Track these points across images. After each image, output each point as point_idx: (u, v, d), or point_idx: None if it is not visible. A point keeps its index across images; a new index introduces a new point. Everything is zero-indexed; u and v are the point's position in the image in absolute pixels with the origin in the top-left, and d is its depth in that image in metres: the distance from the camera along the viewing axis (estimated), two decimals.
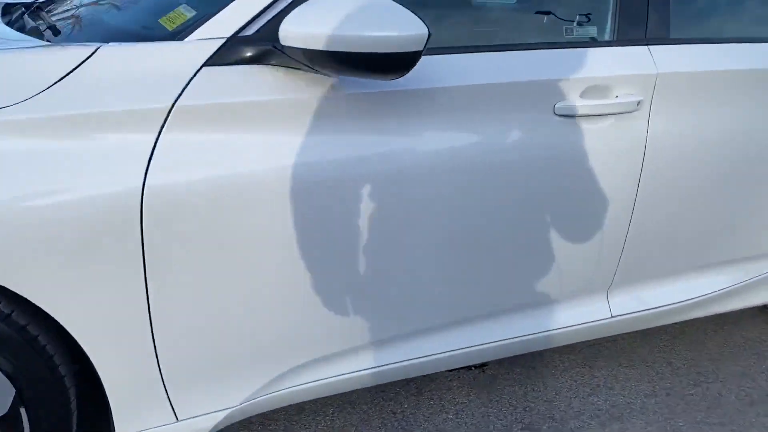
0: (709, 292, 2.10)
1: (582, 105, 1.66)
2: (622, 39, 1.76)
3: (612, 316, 1.99)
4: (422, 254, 1.60)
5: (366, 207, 1.48)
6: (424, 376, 2.12)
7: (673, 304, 2.06)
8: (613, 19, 1.76)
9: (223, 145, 1.34)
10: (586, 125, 1.69)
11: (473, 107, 1.56)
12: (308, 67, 1.31)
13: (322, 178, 1.42)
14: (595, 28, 1.76)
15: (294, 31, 1.26)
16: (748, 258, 2.16)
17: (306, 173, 1.40)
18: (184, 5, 1.48)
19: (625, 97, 1.72)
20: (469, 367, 2.26)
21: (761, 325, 2.66)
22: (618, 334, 2.27)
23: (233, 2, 1.38)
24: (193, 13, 1.43)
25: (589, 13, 1.77)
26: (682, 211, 1.92)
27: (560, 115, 1.65)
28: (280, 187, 1.38)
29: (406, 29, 1.22)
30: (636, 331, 2.47)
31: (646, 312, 2.03)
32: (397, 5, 1.25)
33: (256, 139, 1.36)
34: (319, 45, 1.24)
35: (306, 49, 1.25)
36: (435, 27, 1.54)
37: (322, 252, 1.48)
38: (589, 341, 2.44)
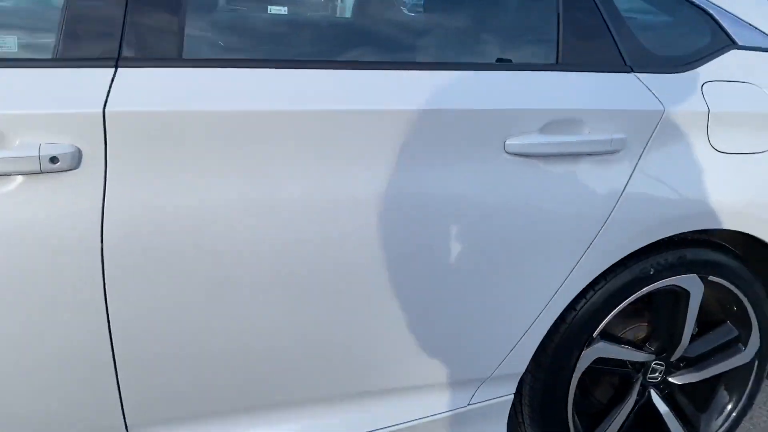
0: None
1: None
2: (68, 57, 1.11)
3: None
4: None
5: None
6: None
7: None
8: (60, 26, 1.12)
9: None
10: None
11: None
12: None
13: None
14: (14, 38, 1.12)
15: None
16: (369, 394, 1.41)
17: None
18: None
19: (24, 149, 1.06)
20: None
21: None
22: None
23: None
24: None
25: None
26: (199, 315, 1.22)
27: None
28: None
29: None
30: None
31: None
32: None
33: None
34: None
35: None
36: None
37: None
38: None
